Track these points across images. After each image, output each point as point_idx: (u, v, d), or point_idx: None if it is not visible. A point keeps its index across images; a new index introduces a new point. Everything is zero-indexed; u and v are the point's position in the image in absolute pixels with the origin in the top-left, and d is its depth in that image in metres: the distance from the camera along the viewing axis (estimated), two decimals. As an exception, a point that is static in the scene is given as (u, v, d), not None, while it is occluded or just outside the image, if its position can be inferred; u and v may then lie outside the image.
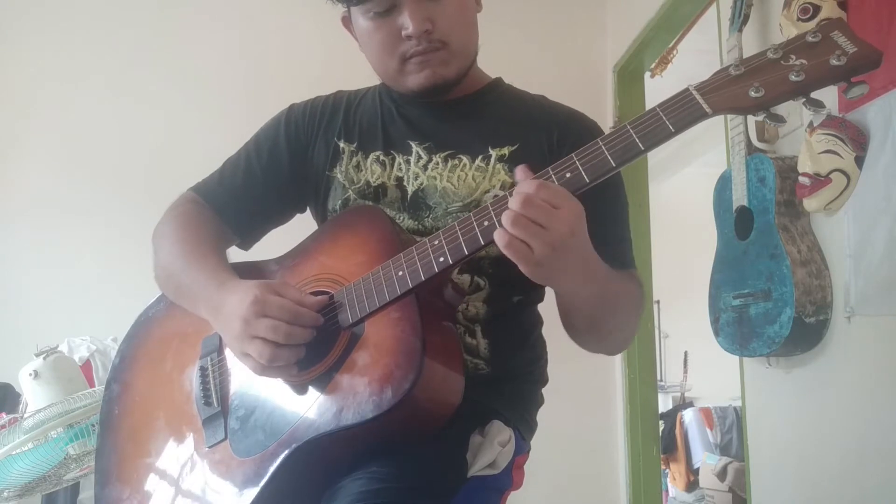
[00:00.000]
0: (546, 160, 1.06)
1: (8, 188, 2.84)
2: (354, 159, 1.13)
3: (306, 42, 2.95)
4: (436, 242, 0.89)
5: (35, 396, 1.77)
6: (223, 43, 3.00)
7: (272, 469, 0.90)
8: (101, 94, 2.91)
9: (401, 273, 0.90)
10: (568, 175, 0.83)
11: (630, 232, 1.11)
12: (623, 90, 3.09)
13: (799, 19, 1.59)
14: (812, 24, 1.56)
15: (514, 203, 0.80)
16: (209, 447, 0.99)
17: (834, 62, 0.74)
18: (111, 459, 1.10)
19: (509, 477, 1.02)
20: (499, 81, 1.19)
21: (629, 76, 3.10)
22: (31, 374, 1.78)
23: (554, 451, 2.93)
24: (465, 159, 1.08)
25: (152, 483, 1.04)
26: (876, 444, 1.48)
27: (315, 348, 0.94)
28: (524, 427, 1.09)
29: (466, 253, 0.87)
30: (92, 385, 1.92)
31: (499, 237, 0.80)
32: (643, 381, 2.94)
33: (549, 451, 2.91)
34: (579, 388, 2.86)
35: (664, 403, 5.81)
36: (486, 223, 0.85)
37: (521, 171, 0.85)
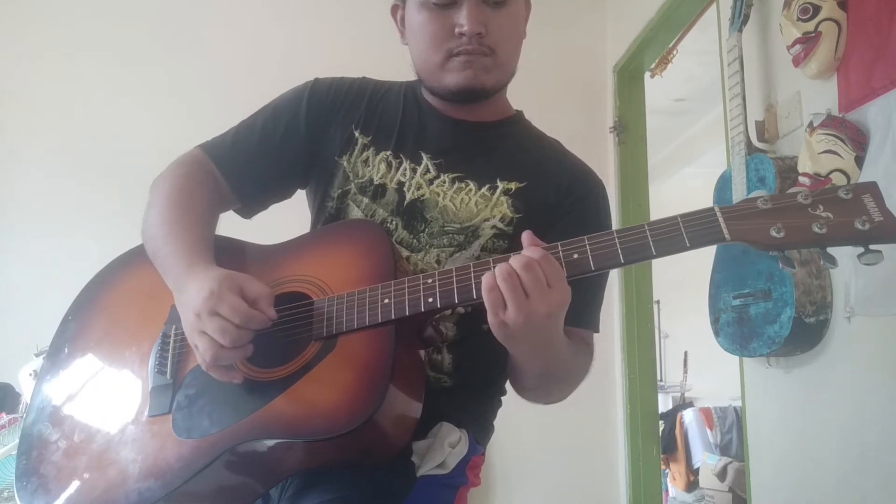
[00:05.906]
0: (549, 207, 1.09)
1: (8, 188, 2.84)
2: (365, 153, 1.13)
3: (308, 45, 2.94)
4: (429, 281, 0.89)
5: (35, 396, 1.77)
6: (224, 43, 3.00)
7: (209, 460, 0.88)
8: (102, 94, 2.91)
9: (386, 301, 0.89)
10: (575, 256, 0.84)
11: (603, 294, 1.13)
12: (623, 90, 3.10)
13: (799, 19, 1.59)
14: (812, 25, 1.56)
15: (515, 262, 0.81)
16: (150, 416, 0.97)
17: (858, 226, 0.74)
18: (48, 398, 1.07)
19: (462, 475, 1.02)
20: (520, 116, 1.20)
21: (629, 76, 3.10)
22: (31, 374, 1.78)
23: (554, 451, 2.94)
24: (471, 184, 1.09)
25: (82, 435, 1.00)
26: (876, 443, 1.48)
27: (280, 350, 0.92)
28: (477, 429, 1.09)
29: (456, 301, 0.87)
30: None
31: (485, 279, 0.82)
32: (643, 381, 2.94)
33: (549, 451, 2.94)
34: (579, 387, 2.85)
35: (664, 403, 5.82)
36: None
37: (527, 236, 0.86)
